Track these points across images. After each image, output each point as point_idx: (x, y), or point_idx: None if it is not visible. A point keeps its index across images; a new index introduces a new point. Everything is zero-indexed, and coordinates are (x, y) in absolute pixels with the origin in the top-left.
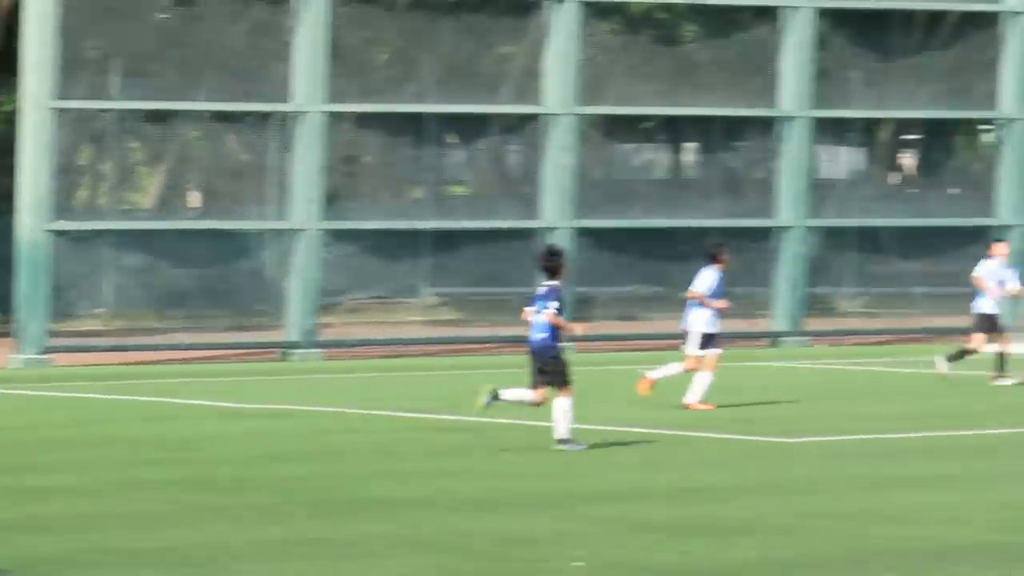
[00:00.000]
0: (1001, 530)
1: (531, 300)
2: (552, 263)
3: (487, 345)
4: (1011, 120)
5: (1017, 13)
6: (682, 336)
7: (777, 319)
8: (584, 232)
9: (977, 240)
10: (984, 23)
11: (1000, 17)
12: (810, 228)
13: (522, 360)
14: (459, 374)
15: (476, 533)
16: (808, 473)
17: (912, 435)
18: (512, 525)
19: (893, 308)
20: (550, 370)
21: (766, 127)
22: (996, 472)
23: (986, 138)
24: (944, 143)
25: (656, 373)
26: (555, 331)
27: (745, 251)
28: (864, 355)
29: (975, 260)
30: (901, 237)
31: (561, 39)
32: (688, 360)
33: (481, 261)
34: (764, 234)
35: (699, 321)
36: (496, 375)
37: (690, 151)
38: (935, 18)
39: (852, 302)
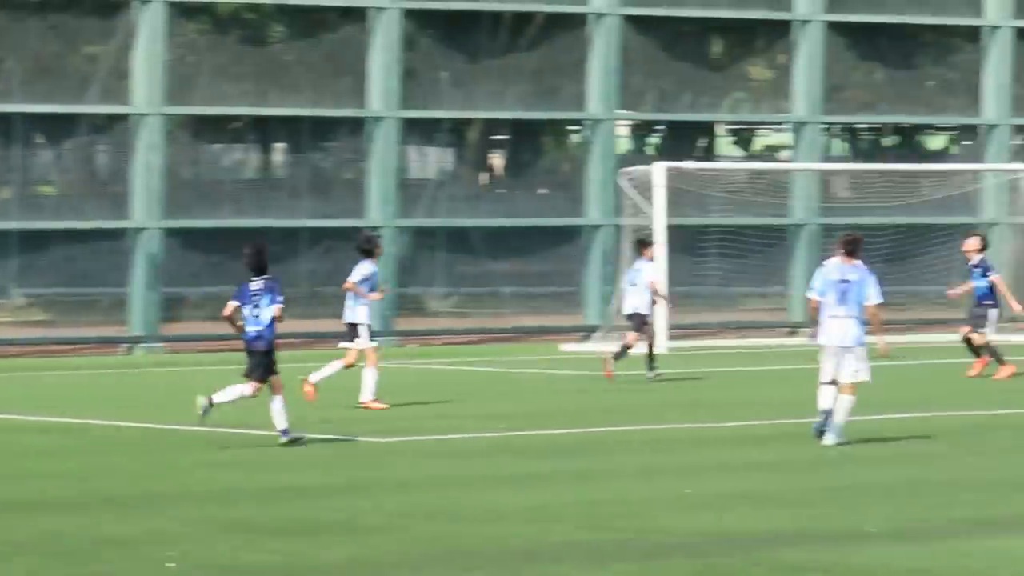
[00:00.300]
0: (591, 528)
1: (238, 296)
2: (261, 261)
3: (77, 346)
4: (598, 121)
5: (602, 15)
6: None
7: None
8: (173, 232)
9: (568, 240)
10: (571, 24)
11: (587, 19)
12: (400, 228)
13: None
14: (50, 375)
15: (67, 534)
16: (400, 473)
17: (503, 434)
18: (104, 526)
19: (483, 308)
20: (267, 363)
21: (355, 127)
22: (585, 470)
23: (575, 139)
24: (533, 144)
25: (316, 376)
26: (270, 323)
27: (336, 251)
28: (454, 354)
29: (566, 260)
30: (491, 237)
31: (148, 39)
32: (349, 355)
33: (70, 261)
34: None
35: (364, 314)
36: (97, 375)
37: (279, 151)
38: (522, 19)
39: (442, 302)
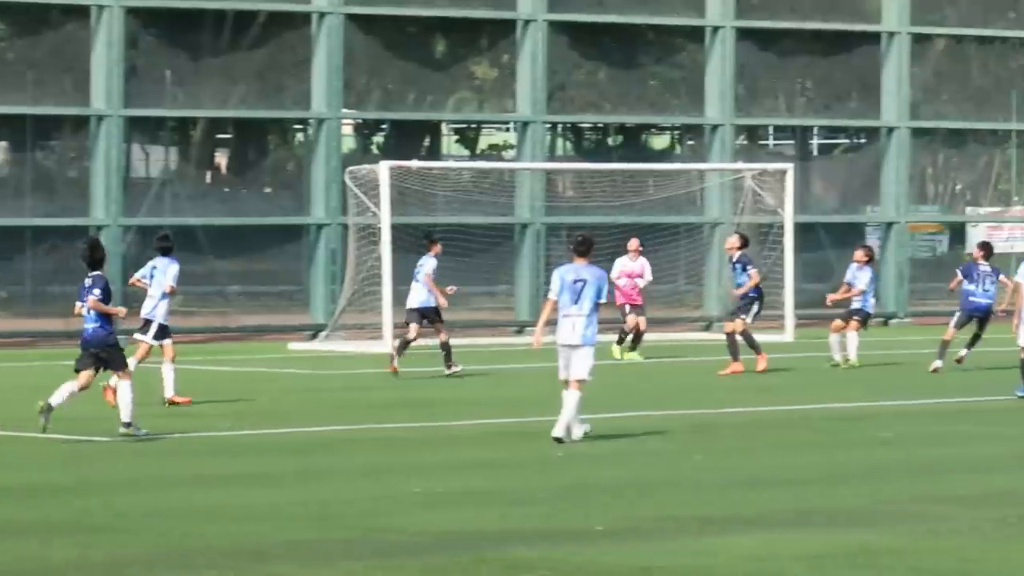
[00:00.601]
0: (320, 527)
1: (78, 294)
2: (95, 256)
3: None
4: (322, 120)
5: (325, 13)
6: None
7: None
8: None
9: (293, 239)
10: (294, 23)
11: (310, 17)
12: (124, 227)
13: None
14: None
15: None
16: (129, 472)
17: (231, 433)
18: None
19: (210, 307)
20: (107, 356)
21: (79, 125)
22: (314, 469)
23: (299, 137)
24: (258, 142)
25: (169, 390)
26: (106, 319)
27: (61, 250)
28: (181, 353)
29: (292, 259)
30: (216, 236)
31: None
32: (167, 350)
33: None
34: (82, 232)
35: (164, 312)
36: None
37: (2, 150)
38: (245, 18)
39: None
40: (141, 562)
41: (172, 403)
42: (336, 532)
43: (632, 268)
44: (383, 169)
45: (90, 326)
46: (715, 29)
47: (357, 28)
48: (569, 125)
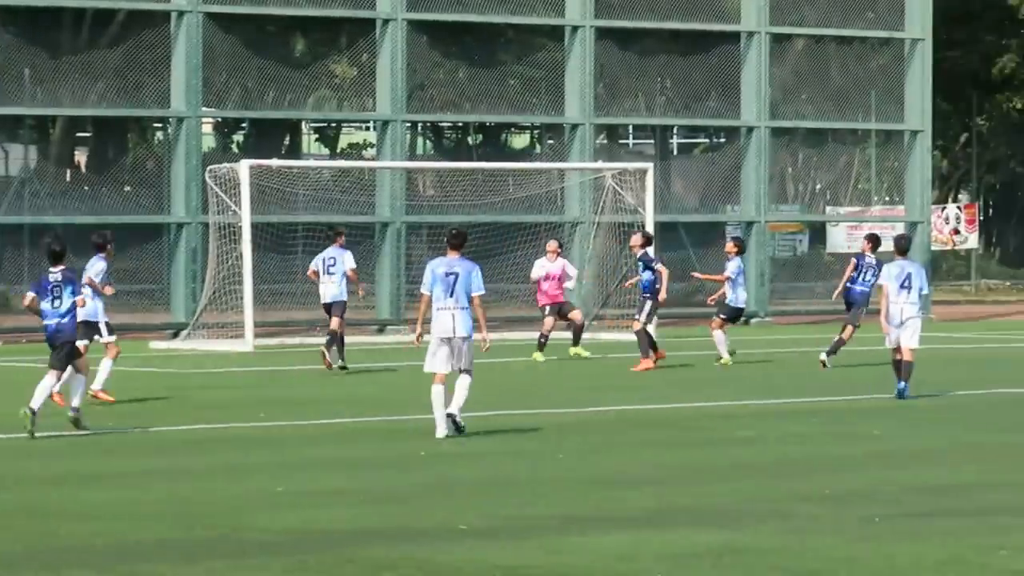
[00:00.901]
0: (183, 526)
1: (37, 287)
2: (61, 250)
3: None
4: (182, 118)
5: (184, 12)
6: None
7: None
8: None
9: (154, 237)
10: (153, 22)
11: (169, 16)
12: None
13: None
14: None
15: None
16: None
17: (92, 433)
18: None
19: None
20: (72, 350)
21: None
22: (177, 468)
23: (159, 136)
24: (117, 141)
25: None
26: (74, 314)
27: None
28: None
29: (152, 257)
30: (77, 235)
31: None
32: (111, 348)
33: None
34: None
35: (97, 309)
36: None
37: None
38: (104, 16)
39: (19, 300)
40: (2, 563)
41: (95, 397)
42: (199, 531)
43: (551, 270)
44: (243, 168)
45: (53, 321)
46: (575, 28)
47: (216, 26)
48: (429, 124)
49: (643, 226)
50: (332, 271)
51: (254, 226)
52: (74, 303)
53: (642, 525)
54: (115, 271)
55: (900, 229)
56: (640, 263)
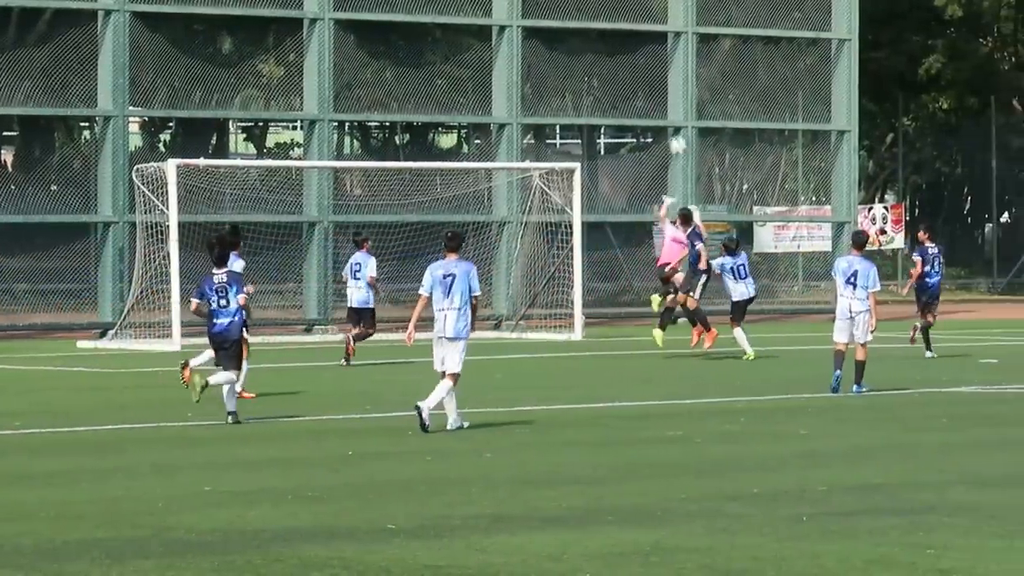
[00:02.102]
0: (111, 525)
1: (202, 290)
2: (223, 252)
3: None
4: (109, 117)
5: (111, 11)
6: None
7: None
8: None
9: (81, 237)
10: (80, 21)
11: (96, 15)
12: None
13: None
14: None
15: None
16: None
17: (19, 432)
18: None
19: None
20: (234, 351)
21: None
22: (104, 468)
23: (86, 135)
24: (44, 140)
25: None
26: (242, 315)
27: None
28: None
29: (79, 257)
30: (3, 234)
31: None
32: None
33: None
34: None
35: None
36: None
37: None
38: (32, 15)
39: None
40: None
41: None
42: (127, 531)
43: None
44: (170, 167)
45: (223, 321)
46: (502, 28)
47: (144, 26)
48: (356, 124)
49: (570, 225)
50: (358, 276)
51: (181, 225)
52: (239, 303)
53: (570, 524)
54: (43, 271)
55: (826, 230)
56: (692, 239)
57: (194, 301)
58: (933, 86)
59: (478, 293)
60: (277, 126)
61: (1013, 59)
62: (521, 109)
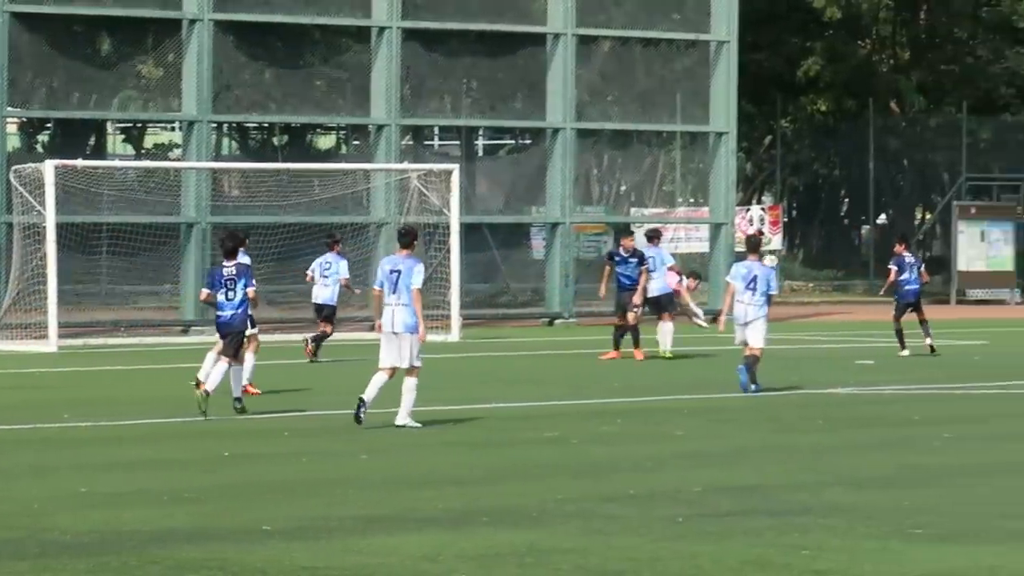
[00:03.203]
0: None
1: (211, 281)
2: (235, 246)
3: None
4: None
5: None
6: None
7: None
8: None
9: None
10: None
11: None
12: None
13: None
14: None
15: None
16: None
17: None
18: None
19: None
20: (240, 341)
21: None
22: None
23: None
24: None
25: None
26: (247, 307)
27: None
28: None
29: None
30: None
31: None
32: (252, 341)
33: None
34: None
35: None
36: None
37: None
38: None
39: None
40: None
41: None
42: (2, 532)
43: None
44: (48, 168)
45: (227, 313)
46: (381, 30)
47: (22, 26)
48: (235, 124)
49: (447, 226)
50: (327, 275)
51: (59, 226)
52: (246, 295)
53: (446, 525)
54: None
55: (704, 231)
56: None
57: (204, 291)
58: (811, 88)
59: (416, 285)
60: (156, 127)
61: (891, 61)
62: (400, 110)
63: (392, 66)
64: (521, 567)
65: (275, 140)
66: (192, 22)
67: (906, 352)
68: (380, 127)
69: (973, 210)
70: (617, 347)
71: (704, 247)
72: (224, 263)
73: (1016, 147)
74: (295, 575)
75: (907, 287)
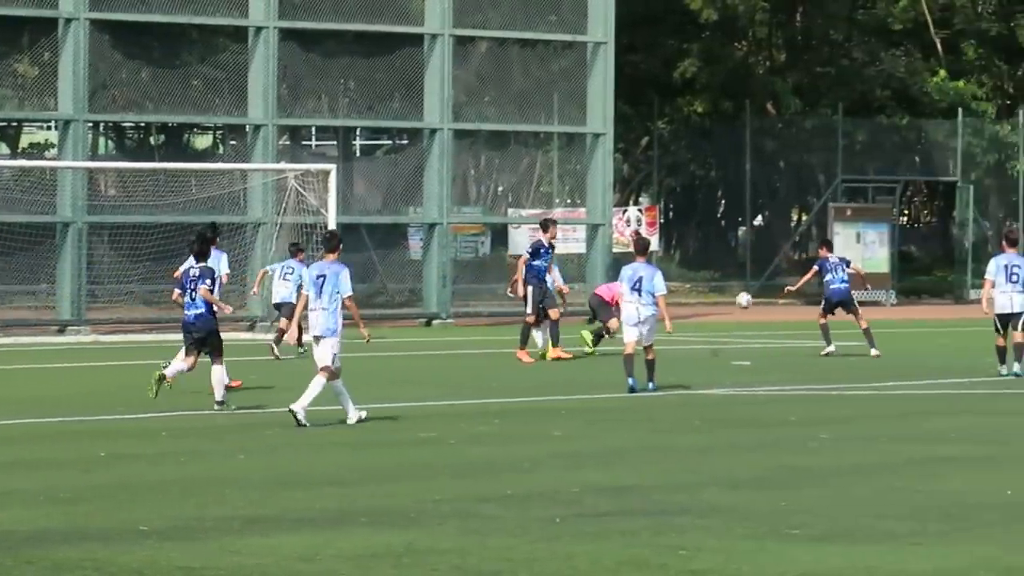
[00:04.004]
0: None
1: (181, 284)
2: (203, 247)
3: None
4: None
5: None
6: None
7: None
8: None
9: None
10: None
11: None
12: None
13: None
14: None
15: None
16: None
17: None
18: None
19: None
20: (211, 342)
21: None
22: None
23: None
24: None
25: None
26: (210, 307)
27: None
28: None
29: None
30: None
31: None
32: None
33: None
34: None
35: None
36: None
37: None
38: None
39: None
40: None
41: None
42: None
43: None
44: None
45: (194, 312)
46: (258, 29)
47: None
48: (111, 124)
49: (325, 227)
50: (288, 278)
51: None
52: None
53: (323, 525)
54: None
55: (581, 232)
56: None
57: (176, 291)
58: (688, 89)
59: (348, 294)
60: (31, 126)
61: (768, 63)
62: (277, 110)
63: (269, 66)
64: (398, 567)
65: (152, 139)
66: (68, 21)
67: (831, 348)
68: (257, 127)
69: (849, 212)
70: (556, 343)
71: (581, 248)
72: (191, 265)
73: (891, 149)
74: (172, 575)
75: (832, 287)
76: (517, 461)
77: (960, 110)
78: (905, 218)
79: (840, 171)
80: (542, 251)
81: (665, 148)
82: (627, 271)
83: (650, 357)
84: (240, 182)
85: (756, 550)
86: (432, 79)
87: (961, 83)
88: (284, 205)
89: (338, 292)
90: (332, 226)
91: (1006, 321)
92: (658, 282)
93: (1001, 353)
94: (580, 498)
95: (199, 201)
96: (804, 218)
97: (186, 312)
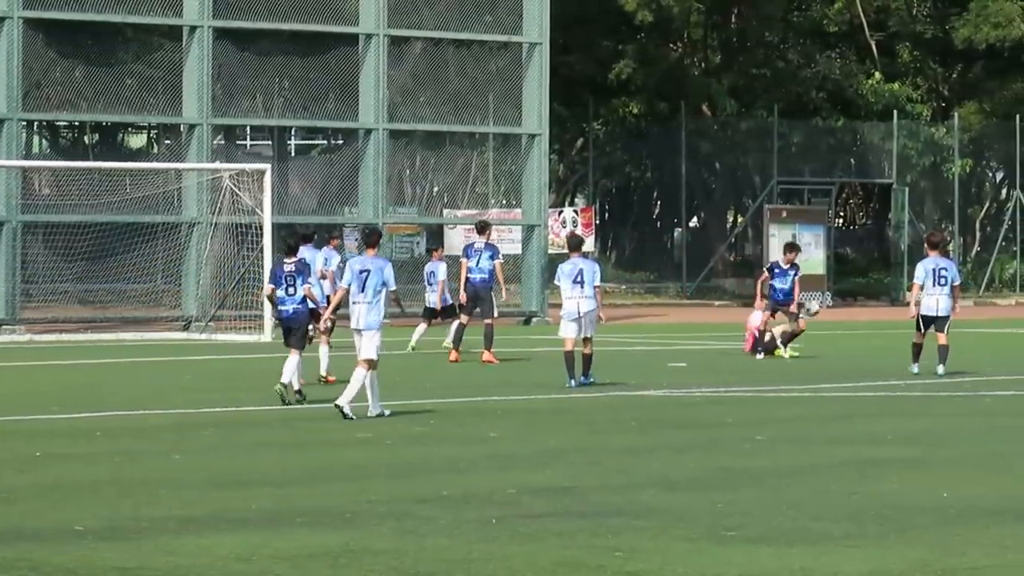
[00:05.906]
0: None
1: (273, 278)
2: (297, 243)
3: None
4: None
5: None
6: None
7: None
8: None
9: None
10: None
11: None
12: None
13: None
14: None
15: None
16: None
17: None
18: None
19: None
20: (299, 333)
21: None
22: None
23: None
24: None
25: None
26: (306, 301)
27: None
28: None
29: None
30: None
31: None
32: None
33: None
34: None
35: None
36: None
37: None
38: None
39: None
40: None
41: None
42: None
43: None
44: None
45: (294, 307)
46: (193, 28)
47: None
48: (45, 123)
49: (260, 226)
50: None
51: None
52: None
53: (259, 526)
54: None
55: (517, 233)
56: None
57: (268, 286)
58: (623, 91)
59: (392, 288)
60: None
61: (703, 65)
62: (211, 110)
63: (204, 65)
64: (335, 568)
65: (86, 139)
66: (2, 20)
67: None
68: (192, 126)
69: (784, 213)
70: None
71: (517, 249)
72: (285, 260)
73: (827, 151)
74: (106, 575)
75: (776, 290)
76: (453, 462)
77: (895, 112)
78: (841, 220)
79: (776, 173)
80: (470, 252)
81: (600, 149)
82: (566, 267)
83: (588, 351)
84: (175, 181)
85: (692, 551)
86: (367, 79)
87: (896, 85)
88: (219, 205)
89: (383, 285)
90: (268, 227)
91: (929, 322)
92: (598, 273)
93: (916, 351)
94: (516, 499)
95: (134, 200)
96: (740, 220)
97: (282, 307)
